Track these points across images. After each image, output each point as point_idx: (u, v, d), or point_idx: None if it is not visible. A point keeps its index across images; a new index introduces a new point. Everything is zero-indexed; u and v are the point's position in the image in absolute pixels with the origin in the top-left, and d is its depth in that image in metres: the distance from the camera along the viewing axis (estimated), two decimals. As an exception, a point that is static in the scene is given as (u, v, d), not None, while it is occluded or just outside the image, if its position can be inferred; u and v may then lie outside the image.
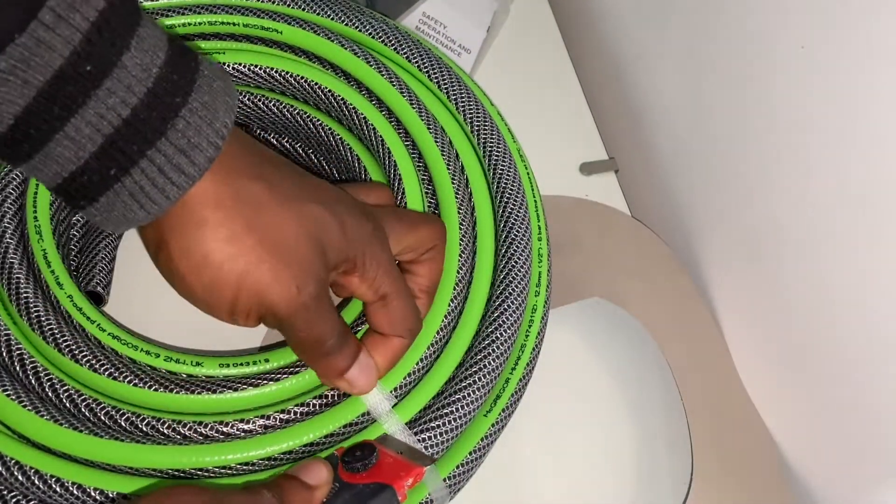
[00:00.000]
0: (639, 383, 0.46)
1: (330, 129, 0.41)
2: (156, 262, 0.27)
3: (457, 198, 0.37)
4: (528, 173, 0.41)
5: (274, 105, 0.41)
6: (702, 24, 0.42)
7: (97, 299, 0.38)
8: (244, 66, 0.40)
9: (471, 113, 0.41)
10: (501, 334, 0.35)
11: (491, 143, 0.40)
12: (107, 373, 0.31)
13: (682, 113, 0.46)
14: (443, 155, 0.39)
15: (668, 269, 0.48)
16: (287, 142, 0.44)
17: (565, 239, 0.47)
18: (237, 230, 0.26)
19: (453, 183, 0.38)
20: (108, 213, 0.26)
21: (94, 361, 0.31)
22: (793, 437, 0.42)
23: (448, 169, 0.38)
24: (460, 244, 0.36)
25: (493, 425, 0.34)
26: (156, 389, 0.31)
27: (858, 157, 0.33)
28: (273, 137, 0.44)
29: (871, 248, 0.33)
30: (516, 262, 0.36)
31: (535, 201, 0.40)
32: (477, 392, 0.33)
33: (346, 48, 0.40)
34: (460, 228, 0.37)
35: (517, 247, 0.37)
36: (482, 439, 0.34)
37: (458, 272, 0.35)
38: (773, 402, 0.42)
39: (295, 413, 0.32)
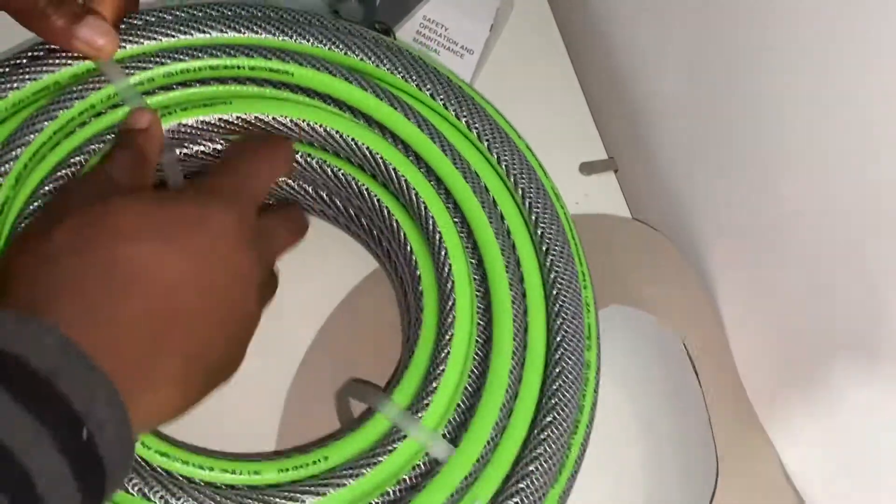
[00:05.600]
0: (657, 392, 0.45)
1: (352, 176, 0.38)
2: None
3: (498, 239, 0.35)
4: (564, 213, 0.39)
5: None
6: (702, 23, 0.42)
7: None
8: (252, 118, 0.36)
9: (497, 147, 0.38)
10: (560, 411, 0.33)
11: (511, 163, 0.38)
12: (161, 499, 0.29)
13: (682, 112, 0.45)
14: (476, 196, 0.36)
15: (676, 270, 0.47)
16: (312, 190, 0.40)
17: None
18: None
19: (491, 223, 0.36)
20: None
21: (144, 488, 0.29)
22: (793, 440, 0.42)
23: (484, 210, 0.36)
24: (513, 307, 0.34)
25: (560, 497, 0.34)
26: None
27: (861, 156, 0.33)
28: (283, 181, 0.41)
29: (877, 247, 0.33)
30: (568, 326, 0.35)
31: (577, 245, 0.38)
32: (545, 465, 0.32)
33: (366, 90, 0.37)
34: (510, 289, 0.35)
35: (567, 311, 0.35)
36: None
37: (513, 343, 0.34)
38: (775, 405, 0.42)
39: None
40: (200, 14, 0.37)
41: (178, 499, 0.29)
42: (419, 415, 0.32)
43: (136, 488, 0.29)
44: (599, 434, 0.41)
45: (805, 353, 0.39)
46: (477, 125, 0.38)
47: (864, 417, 0.36)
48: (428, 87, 0.38)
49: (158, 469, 0.30)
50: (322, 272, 0.42)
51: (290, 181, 0.41)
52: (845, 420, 0.37)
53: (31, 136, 0.33)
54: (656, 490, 0.43)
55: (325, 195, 0.41)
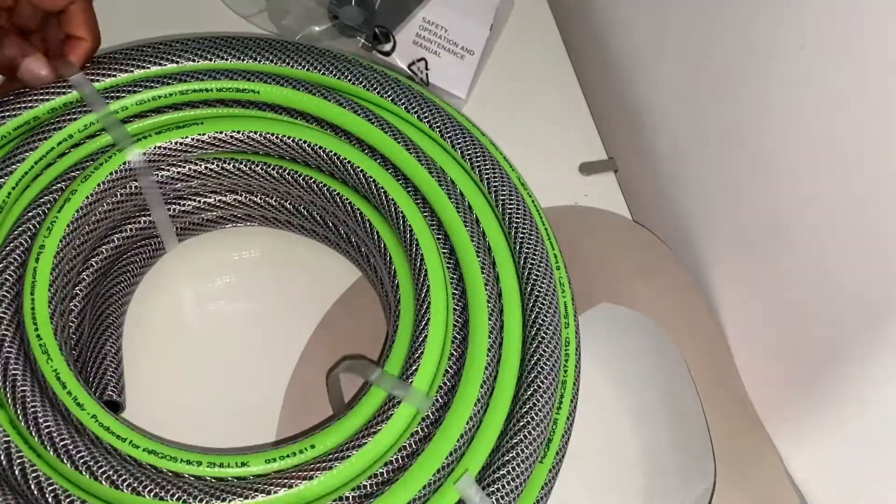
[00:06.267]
0: (652, 390, 0.45)
1: (324, 184, 0.39)
2: None
3: (472, 240, 0.36)
4: (532, 200, 0.40)
5: (261, 167, 0.39)
6: (701, 23, 0.42)
7: (114, 408, 0.36)
8: (225, 135, 0.38)
9: (458, 140, 0.39)
10: (542, 381, 0.34)
11: (478, 159, 0.39)
12: (152, 494, 0.29)
13: (681, 112, 0.46)
14: (441, 186, 0.38)
15: (666, 268, 0.47)
16: (289, 203, 0.42)
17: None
18: None
19: (466, 225, 0.37)
20: None
21: (136, 484, 0.29)
22: (797, 442, 0.41)
23: (451, 201, 0.37)
24: (486, 289, 0.35)
25: (550, 471, 0.34)
26: (207, 502, 0.29)
27: (858, 157, 0.33)
28: (260, 198, 0.42)
29: (874, 248, 0.33)
30: (542, 301, 0.36)
31: (547, 230, 0.39)
32: (533, 433, 0.33)
33: (329, 100, 0.38)
34: (483, 273, 0.36)
35: (541, 288, 0.36)
36: (542, 487, 0.34)
37: (489, 319, 0.35)
38: (775, 405, 0.42)
39: (352, 499, 0.31)
40: (167, 47, 0.39)
41: (171, 494, 0.29)
42: (409, 380, 0.33)
43: (127, 486, 0.29)
44: (595, 434, 0.41)
45: (808, 354, 0.39)
46: (438, 124, 0.39)
47: (871, 419, 0.36)
48: (389, 93, 0.40)
49: (147, 466, 0.30)
50: (311, 281, 0.43)
51: (269, 199, 0.42)
52: (851, 422, 0.37)
53: (14, 166, 0.35)
54: (655, 490, 0.43)
55: (303, 209, 0.42)
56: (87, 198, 0.35)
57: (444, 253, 0.37)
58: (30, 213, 0.34)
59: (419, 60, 0.48)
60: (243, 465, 0.31)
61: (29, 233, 0.34)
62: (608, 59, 0.53)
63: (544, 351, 0.34)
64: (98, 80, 0.37)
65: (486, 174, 0.39)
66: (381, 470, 0.31)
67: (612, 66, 0.53)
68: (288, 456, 0.31)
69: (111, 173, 0.36)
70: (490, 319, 0.35)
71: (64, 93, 0.36)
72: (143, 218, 0.40)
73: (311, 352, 0.41)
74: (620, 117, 0.52)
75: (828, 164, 0.35)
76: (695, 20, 0.43)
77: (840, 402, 0.37)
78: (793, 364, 0.39)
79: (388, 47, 0.48)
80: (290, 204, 0.42)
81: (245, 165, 0.39)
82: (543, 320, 0.35)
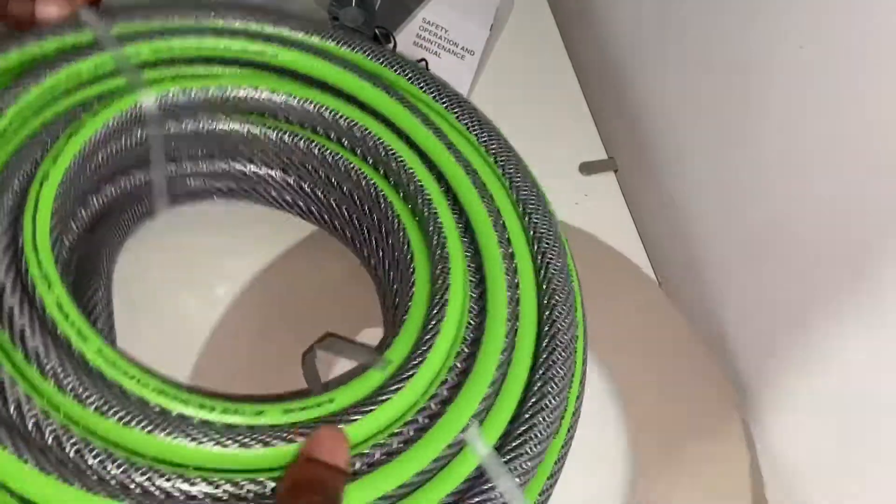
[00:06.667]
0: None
1: (339, 154, 0.39)
2: None
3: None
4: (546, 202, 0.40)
5: (276, 134, 0.38)
6: (701, 24, 0.43)
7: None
8: (243, 94, 0.37)
9: (465, 118, 0.40)
10: (560, 351, 0.34)
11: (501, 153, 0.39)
12: (147, 429, 0.27)
13: (681, 112, 0.46)
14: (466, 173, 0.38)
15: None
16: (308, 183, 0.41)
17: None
18: None
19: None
20: None
21: (144, 421, 0.27)
22: (793, 443, 0.42)
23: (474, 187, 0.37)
24: (503, 263, 0.35)
25: (563, 446, 0.33)
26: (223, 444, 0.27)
27: (858, 157, 0.34)
28: (263, 170, 0.41)
29: (874, 250, 0.34)
30: (557, 281, 0.36)
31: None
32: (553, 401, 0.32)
33: (347, 70, 0.38)
34: (500, 247, 0.35)
35: (555, 269, 0.36)
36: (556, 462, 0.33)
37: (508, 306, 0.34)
38: (774, 402, 0.43)
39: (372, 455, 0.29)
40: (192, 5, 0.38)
41: (188, 436, 0.27)
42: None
43: (138, 424, 0.27)
44: (587, 425, 0.41)
45: (809, 352, 0.39)
46: (444, 100, 0.40)
47: (869, 415, 0.36)
48: (408, 73, 0.40)
49: (155, 408, 0.28)
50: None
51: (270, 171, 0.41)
52: (852, 417, 0.37)
53: (17, 95, 0.33)
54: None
55: (306, 186, 0.41)
56: (95, 134, 0.33)
57: (459, 227, 0.36)
58: (34, 142, 0.32)
59: (419, 61, 0.49)
60: (259, 414, 0.29)
61: (31, 159, 0.32)
62: (608, 60, 0.54)
63: (560, 326, 0.34)
64: (113, 27, 0.36)
65: (499, 155, 0.39)
66: (402, 429, 0.30)
67: (612, 66, 0.53)
68: (306, 408, 0.30)
69: (122, 112, 0.34)
70: (507, 291, 0.34)
71: (75, 33, 0.35)
72: (140, 175, 0.38)
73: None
74: (620, 117, 0.53)
75: (828, 163, 0.36)
76: (695, 20, 0.44)
77: (838, 400, 0.38)
78: (796, 364, 0.40)
79: (388, 48, 0.48)
80: (294, 182, 0.41)
81: (259, 129, 0.38)
82: (559, 298, 0.35)
